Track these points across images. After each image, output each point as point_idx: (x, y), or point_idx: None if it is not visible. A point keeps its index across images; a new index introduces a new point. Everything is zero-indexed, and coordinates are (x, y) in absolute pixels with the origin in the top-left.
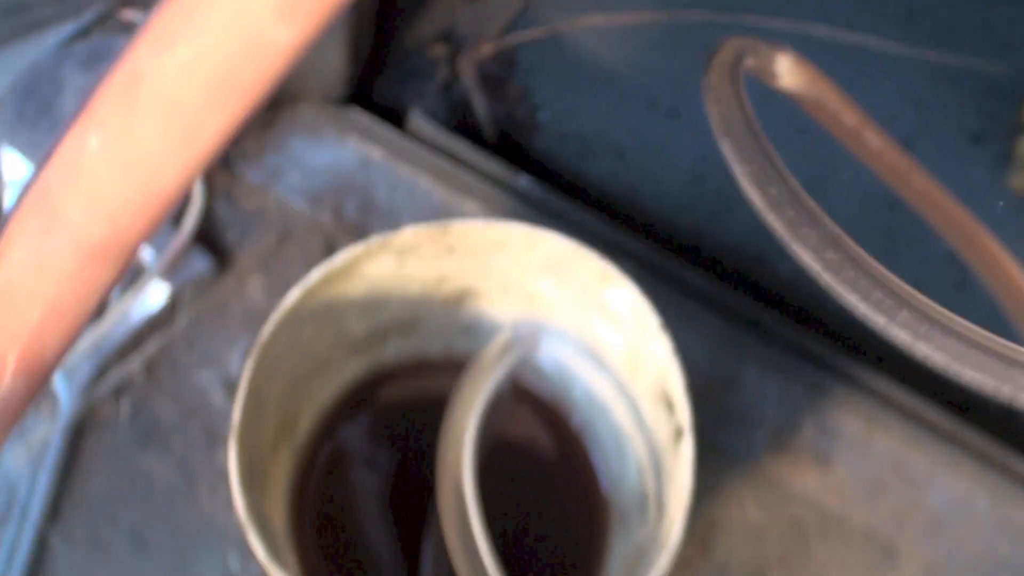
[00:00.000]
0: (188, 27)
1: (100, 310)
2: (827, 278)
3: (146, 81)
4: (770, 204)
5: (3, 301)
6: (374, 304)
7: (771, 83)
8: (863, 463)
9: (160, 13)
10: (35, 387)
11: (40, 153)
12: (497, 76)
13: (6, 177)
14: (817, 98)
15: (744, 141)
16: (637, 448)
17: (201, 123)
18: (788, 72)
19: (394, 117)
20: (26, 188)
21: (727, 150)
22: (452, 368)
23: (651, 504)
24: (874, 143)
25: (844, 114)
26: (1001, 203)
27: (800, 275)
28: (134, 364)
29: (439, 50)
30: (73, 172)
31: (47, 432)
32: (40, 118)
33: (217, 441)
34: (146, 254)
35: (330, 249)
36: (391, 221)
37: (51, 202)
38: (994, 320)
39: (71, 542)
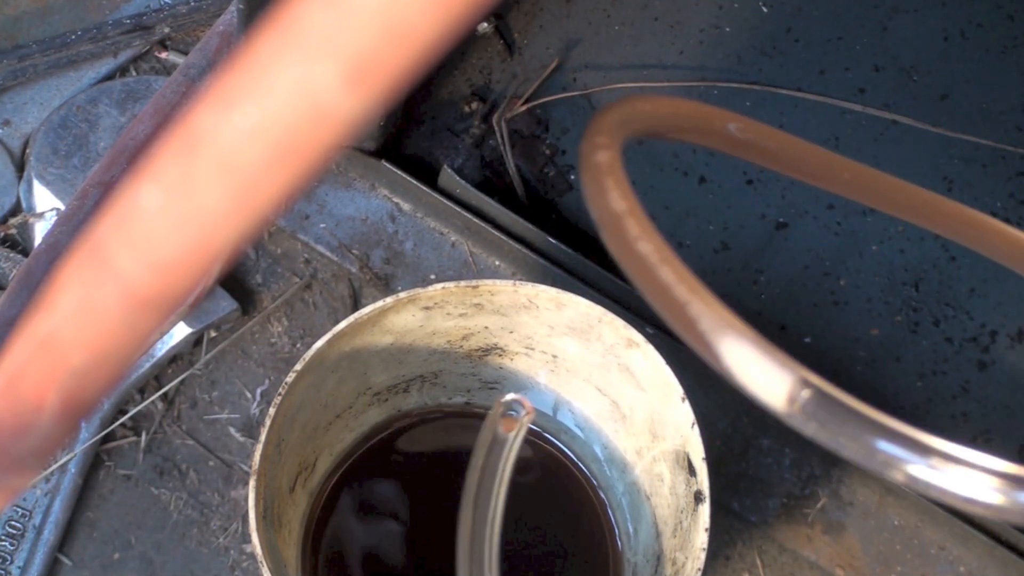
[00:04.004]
0: (252, 90)
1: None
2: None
3: (207, 141)
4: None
5: (49, 346)
6: (398, 356)
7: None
8: (875, 534)
9: (225, 75)
10: (72, 429)
11: (71, 188)
12: (530, 134)
13: (37, 210)
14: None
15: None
16: (654, 508)
17: (259, 185)
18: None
19: (425, 170)
20: (79, 239)
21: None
22: (473, 420)
23: (665, 564)
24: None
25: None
26: None
27: (823, 344)
28: (154, 399)
29: (473, 106)
30: (128, 225)
31: (64, 459)
32: (73, 154)
33: (233, 478)
34: None
35: (355, 297)
36: (417, 274)
37: (103, 253)
38: (1018, 394)
39: (82, 565)
